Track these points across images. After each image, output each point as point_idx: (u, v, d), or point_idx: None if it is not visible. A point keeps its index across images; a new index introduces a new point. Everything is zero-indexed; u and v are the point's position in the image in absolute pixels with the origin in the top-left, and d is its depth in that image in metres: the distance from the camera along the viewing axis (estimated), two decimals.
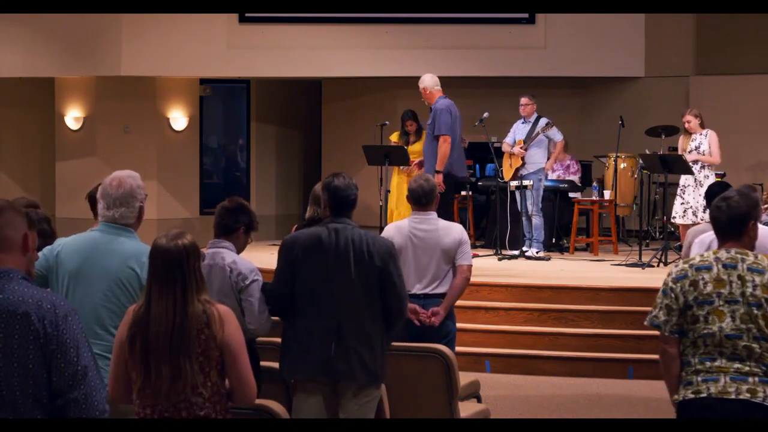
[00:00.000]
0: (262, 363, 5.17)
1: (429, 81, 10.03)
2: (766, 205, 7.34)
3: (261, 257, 8.64)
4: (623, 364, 8.81)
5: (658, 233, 13.23)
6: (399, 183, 11.07)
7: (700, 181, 10.87)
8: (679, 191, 11.14)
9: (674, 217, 11.15)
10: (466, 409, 6.00)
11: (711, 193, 6.52)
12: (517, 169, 11.71)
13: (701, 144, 10.95)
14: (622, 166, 12.51)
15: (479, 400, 6.50)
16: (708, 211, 4.68)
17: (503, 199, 11.92)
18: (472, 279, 6.68)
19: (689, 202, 10.95)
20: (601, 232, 12.66)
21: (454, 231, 6.36)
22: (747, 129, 13.39)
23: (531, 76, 13.94)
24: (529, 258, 11.50)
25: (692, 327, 4.13)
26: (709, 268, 4.14)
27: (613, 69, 14.20)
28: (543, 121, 11.75)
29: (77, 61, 13.95)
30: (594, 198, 12.55)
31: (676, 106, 13.12)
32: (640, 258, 11.07)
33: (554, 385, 8.52)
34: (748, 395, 4.03)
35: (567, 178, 12.96)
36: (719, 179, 11.19)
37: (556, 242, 12.46)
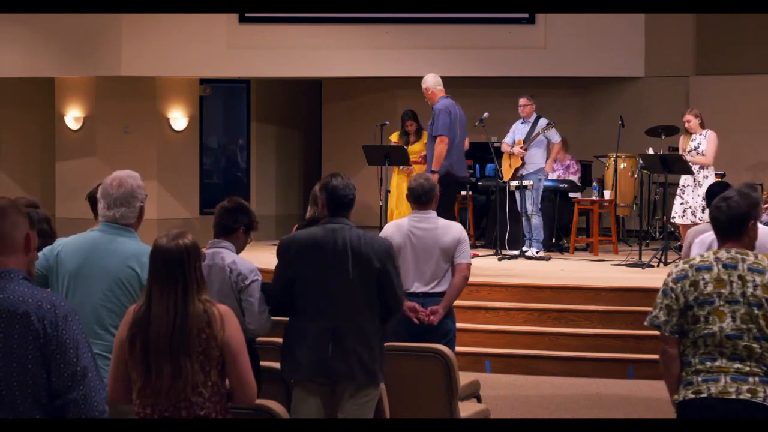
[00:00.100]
0: (262, 363, 5.18)
1: (431, 81, 10.04)
2: (766, 205, 7.34)
3: (261, 257, 8.64)
4: (623, 364, 8.80)
5: (658, 233, 13.22)
6: (399, 183, 11.09)
7: (699, 182, 10.85)
8: (678, 191, 11.13)
9: (674, 217, 11.14)
10: (466, 409, 6.00)
11: (711, 193, 6.51)
12: (517, 169, 11.70)
13: (700, 144, 10.93)
14: (622, 166, 12.50)
15: (479, 400, 6.51)
16: (708, 211, 4.68)
17: (503, 199, 11.91)
18: (472, 279, 6.68)
19: (688, 202, 10.95)
20: (601, 232, 12.65)
21: (453, 230, 6.36)
22: (747, 129, 13.38)
23: (531, 76, 13.94)
24: (529, 258, 11.50)
25: (692, 327, 4.13)
26: (709, 269, 4.13)
27: (613, 69, 14.19)
28: (543, 121, 11.74)
29: (77, 61, 13.95)
30: (594, 198, 12.54)
31: (676, 106, 13.11)
32: (640, 258, 11.06)
33: (554, 385, 8.52)
34: (749, 395, 4.03)
35: (567, 178, 12.95)
36: (719, 179, 11.17)
37: (556, 242, 12.45)
